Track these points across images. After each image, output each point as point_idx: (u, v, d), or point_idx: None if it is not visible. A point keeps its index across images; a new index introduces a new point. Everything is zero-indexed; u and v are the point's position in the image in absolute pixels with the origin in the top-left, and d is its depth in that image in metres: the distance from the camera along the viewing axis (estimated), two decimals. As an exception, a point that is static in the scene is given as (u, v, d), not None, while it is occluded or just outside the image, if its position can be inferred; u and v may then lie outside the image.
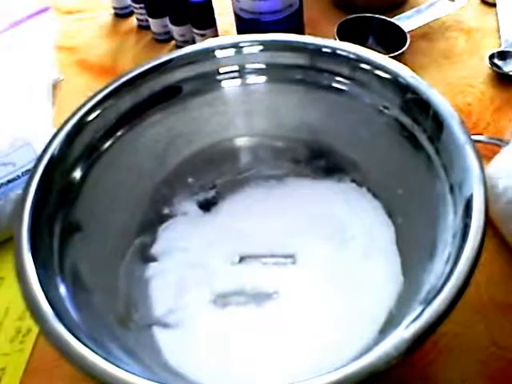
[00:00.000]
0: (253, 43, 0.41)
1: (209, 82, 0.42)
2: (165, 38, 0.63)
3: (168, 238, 0.41)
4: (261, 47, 0.41)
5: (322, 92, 0.41)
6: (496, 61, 0.54)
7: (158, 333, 0.36)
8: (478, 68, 0.55)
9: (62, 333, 0.28)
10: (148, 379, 0.26)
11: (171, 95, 0.41)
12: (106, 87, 0.39)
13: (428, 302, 0.27)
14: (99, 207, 0.38)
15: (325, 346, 0.34)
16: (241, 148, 0.44)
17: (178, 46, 0.60)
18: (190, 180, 0.43)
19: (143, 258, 0.40)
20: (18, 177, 0.44)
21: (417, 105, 0.36)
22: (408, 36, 0.55)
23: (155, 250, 0.41)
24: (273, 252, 0.40)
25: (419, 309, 0.27)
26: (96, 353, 0.27)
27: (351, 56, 0.39)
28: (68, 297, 0.31)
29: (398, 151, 0.38)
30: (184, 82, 0.41)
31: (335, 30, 0.56)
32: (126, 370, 0.26)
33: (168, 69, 0.40)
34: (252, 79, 0.42)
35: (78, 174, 0.37)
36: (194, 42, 0.59)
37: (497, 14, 0.61)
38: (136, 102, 0.40)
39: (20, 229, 0.32)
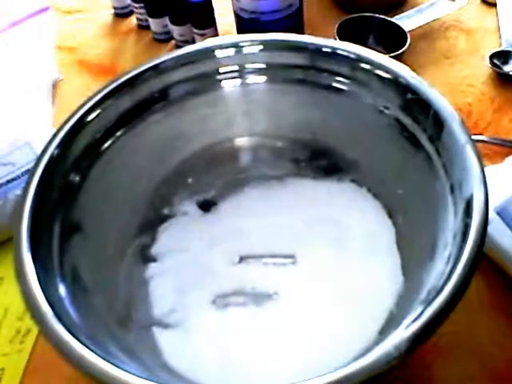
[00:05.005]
0: (253, 43, 0.41)
1: (209, 81, 0.42)
2: (165, 38, 0.63)
3: (168, 237, 0.41)
4: (261, 47, 0.41)
5: (322, 92, 0.41)
6: (496, 61, 0.54)
7: (158, 333, 0.36)
8: (478, 68, 0.55)
9: (61, 333, 0.28)
10: (147, 379, 0.26)
11: (171, 95, 0.41)
12: (105, 87, 0.39)
13: (428, 302, 0.27)
14: (99, 207, 0.38)
15: (325, 347, 0.34)
16: (241, 148, 0.44)
17: (178, 46, 0.60)
18: (189, 180, 0.43)
19: (143, 258, 0.40)
20: (18, 177, 0.44)
21: (417, 105, 0.36)
22: (408, 36, 0.55)
23: (155, 250, 0.41)
24: (273, 252, 0.40)
25: (419, 309, 0.27)
26: (95, 353, 0.27)
27: (351, 56, 0.39)
28: (68, 297, 0.31)
29: (398, 151, 0.38)
30: (184, 82, 0.41)
31: (335, 29, 0.56)
32: (125, 370, 0.26)
33: (168, 69, 0.40)
34: (252, 79, 0.42)
35: (77, 173, 0.37)
36: (193, 42, 0.59)
37: (497, 13, 0.61)
38: (136, 102, 0.40)
39: (20, 229, 0.32)
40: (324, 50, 0.40)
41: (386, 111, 0.38)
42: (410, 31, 0.56)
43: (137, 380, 0.26)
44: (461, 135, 0.33)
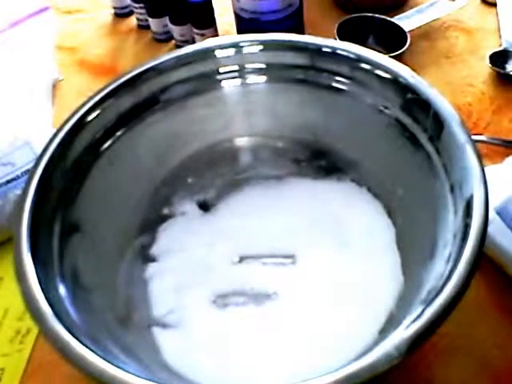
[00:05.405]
0: (253, 43, 0.41)
1: (209, 81, 0.42)
2: (165, 38, 0.63)
3: (168, 237, 0.41)
4: (261, 47, 0.41)
5: (322, 92, 0.41)
6: (496, 61, 0.54)
7: (158, 333, 0.36)
8: (478, 68, 0.55)
9: (61, 333, 0.28)
10: (147, 379, 0.26)
11: (171, 95, 0.41)
12: (105, 87, 0.39)
13: (428, 302, 0.27)
14: (99, 207, 0.38)
15: (325, 347, 0.34)
16: (241, 148, 0.44)
17: (178, 46, 0.60)
18: (189, 180, 0.43)
19: (143, 258, 0.40)
20: (18, 177, 0.44)
21: (417, 105, 0.36)
22: (408, 36, 0.55)
23: (155, 250, 0.40)
24: (273, 252, 0.40)
25: (420, 309, 0.27)
26: (95, 353, 0.27)
27: (351, 56, 0.39)
28: (67, 297, 0.31)
29: (398, 151, 0.38)
30: (184, 82, 0.41)
31: (335, 29, 0.56)
32: (125, 370, 0.26)
33: (168, 68, 0.40)
34: (252, 79, 0.42)
35: (77, 174, 0.37)
36: (193, 42, 0.59)
37: (497, 13, 0.61)
38: (136, 102, 0.40)
39: (19, 229, 0.32)
40: (324, 49, 0.40)
41: (386, 111, 0.38)
42: (410, 31, 0.56)
43: (137, 380, 0.26)
44: (461, 135, 0.33)
